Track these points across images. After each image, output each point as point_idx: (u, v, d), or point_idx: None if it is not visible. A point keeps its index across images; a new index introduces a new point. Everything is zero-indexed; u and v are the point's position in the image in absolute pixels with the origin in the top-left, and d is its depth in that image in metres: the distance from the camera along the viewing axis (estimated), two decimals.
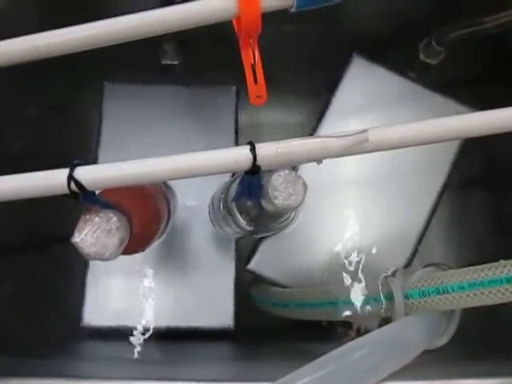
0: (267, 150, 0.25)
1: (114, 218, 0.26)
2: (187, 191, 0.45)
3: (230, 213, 0.35)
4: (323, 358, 0.30)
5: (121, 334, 0.44)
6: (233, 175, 0.39)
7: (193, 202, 0.46)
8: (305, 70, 0.52)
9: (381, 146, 0.26)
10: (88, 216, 0.26)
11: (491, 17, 0.41)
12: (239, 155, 0.25)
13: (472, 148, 0.45)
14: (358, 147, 0.25)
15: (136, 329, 0.43)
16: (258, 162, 0.25)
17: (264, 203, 0.28)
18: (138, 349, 0.43)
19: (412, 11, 0.48)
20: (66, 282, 0.47)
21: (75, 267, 0.46)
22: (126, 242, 0.27)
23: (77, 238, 0.25)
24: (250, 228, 0.35)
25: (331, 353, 0.30)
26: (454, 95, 0.46)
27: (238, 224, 0.35)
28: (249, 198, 0.29)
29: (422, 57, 0.48)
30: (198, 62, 0.51)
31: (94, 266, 0.45)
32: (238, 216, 0.34)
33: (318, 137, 0.25)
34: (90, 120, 0.49)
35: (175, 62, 0.50)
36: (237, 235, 0.42)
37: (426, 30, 0.47)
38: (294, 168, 0.44)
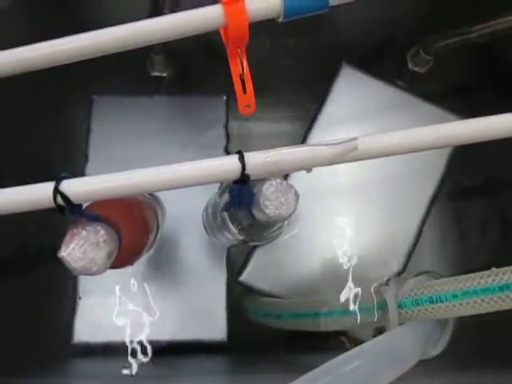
0: (256, 159, 0.25)
1: (102, 231, 0.25)
2: (177, 202, 0.45)
3: (223, 221, 0.35)
4: (317, 369, 0.29)
5: (112, 350, 0.43)
6: (220, 185, 0.39)
7: (183, 214, 0.46)
8: (294, 80, 0.53)
9: (370, 154, 0.26)
10: (75, 230, 0.25)
11: (477, 26, 0.42)
12: (228, 165, 0.24)
13: (463, 156, 0.45)
14: (348, 155, 0.25)
15: (128, 344, 0.43)
16: (247, 171, 0.24)
17: (255, 212, 0.28)
18: (130, 364, 0.42)
19: (400, 21, 0.49)
20: (56, 298, 0.46)
21: (65, 283, 0.45)
22: (114, 256, 0.26)
23: (63, 253, 0.25)
24: (242, 237, 0.35)
25: (325, 364, 0.30)
26: (443, 103, 0.46)
27: (230, 233, 0.35)
28: (239, 207, 0.29)
29: (410, 66, 0.49)
30: (187, 73, 0.51)
31: (84, 282, 0.44)
32: (230, 225, 0.34)
33: (307, 145, 0.25)
34: (78, 133, 0.49)
35: (164, 74, 0.50)
36: (230, 243, 0.41)
37: (414, 40, 0.47)
38: (286, 177, 0.44)
